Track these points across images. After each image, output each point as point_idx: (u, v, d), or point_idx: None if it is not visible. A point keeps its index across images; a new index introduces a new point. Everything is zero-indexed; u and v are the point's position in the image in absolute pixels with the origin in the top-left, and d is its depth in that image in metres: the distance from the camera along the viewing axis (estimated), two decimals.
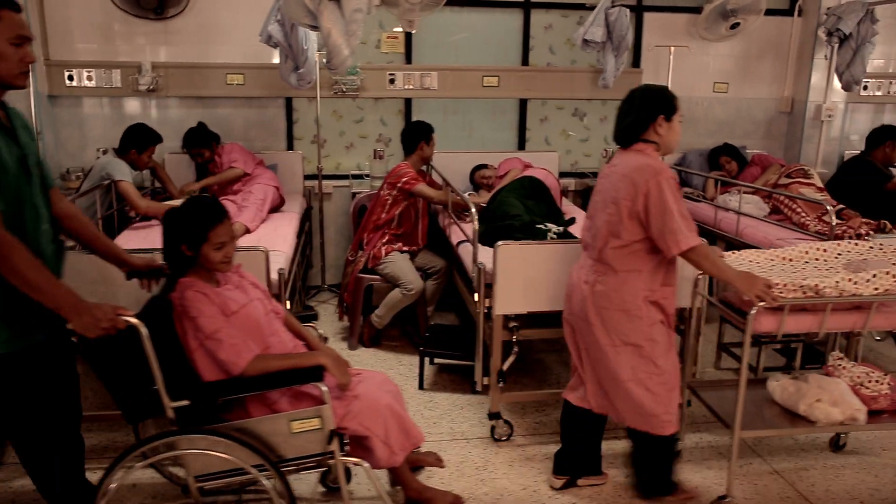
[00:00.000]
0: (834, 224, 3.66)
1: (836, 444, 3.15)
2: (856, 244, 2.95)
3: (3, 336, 1.94)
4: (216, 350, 2.15)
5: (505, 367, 3.09)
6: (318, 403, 2.20)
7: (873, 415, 2.73)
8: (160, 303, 2.25)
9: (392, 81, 4.94)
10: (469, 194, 4.58)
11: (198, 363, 2.19)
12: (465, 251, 3.58)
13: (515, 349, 3.07)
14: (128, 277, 2.35)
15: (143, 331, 2.00)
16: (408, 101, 5.02)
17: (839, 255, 2.89)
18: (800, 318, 2.58)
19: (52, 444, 2.13)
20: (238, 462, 2.14)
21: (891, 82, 5.49)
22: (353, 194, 4.75)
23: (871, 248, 2.90)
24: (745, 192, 4.56)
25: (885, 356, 4.21)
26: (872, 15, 4.81)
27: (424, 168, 4.33)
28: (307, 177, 4.91)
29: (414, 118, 4.94)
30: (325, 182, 4.93)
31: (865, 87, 5.46)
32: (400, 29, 4.89)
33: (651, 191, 2.34)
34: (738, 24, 4.98)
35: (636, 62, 5.22)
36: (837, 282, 2.51)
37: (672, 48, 4.97)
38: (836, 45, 5.03)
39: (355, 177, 5.00)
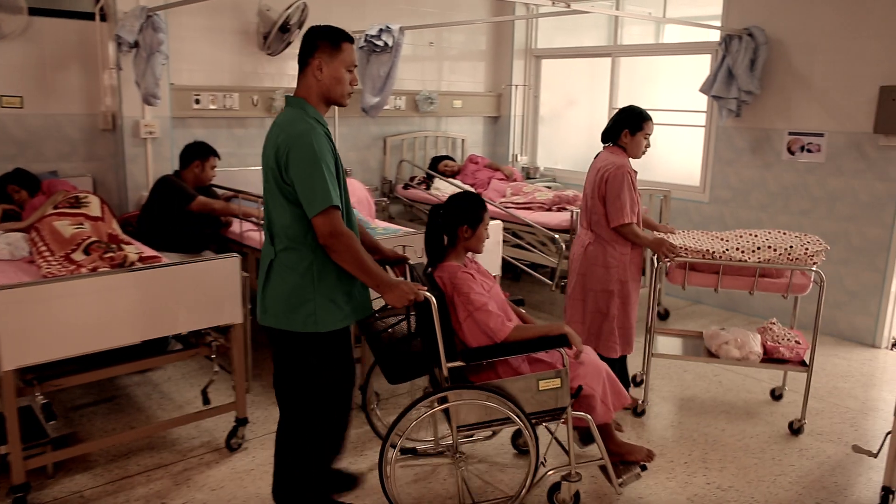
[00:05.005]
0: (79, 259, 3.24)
1: (774, 395, 4.08)
2: (755, 234, 3.69)
3: (343, 313, 2.41)
4: (486, 320, 2.58)
5: None
6: (550, 367, 2.67)
7: (771, 361, 3.64)
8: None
9: None
10: None
11: (465, 331, 2.63)
12: None
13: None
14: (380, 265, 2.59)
15: (434, 302, 2.47)
16: None
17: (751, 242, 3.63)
18: (704, 276, 3.57)
19: (340, 410, 2.58)
20: (496, 413, 2.58)
21: (225, 95, 5.25)
22: None
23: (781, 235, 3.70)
24: (9, 231, 3.80)
25: None
26: (155, 22, 4.38)
27: None
28: None
29: None
30: None
31: (198, 101, 5.13)
32: None
33: (611, 178, 3.41)
34: None
35: None
36: (726, 250, 3.47)
37: None
38: (132, 56, 4.53)
39: None
